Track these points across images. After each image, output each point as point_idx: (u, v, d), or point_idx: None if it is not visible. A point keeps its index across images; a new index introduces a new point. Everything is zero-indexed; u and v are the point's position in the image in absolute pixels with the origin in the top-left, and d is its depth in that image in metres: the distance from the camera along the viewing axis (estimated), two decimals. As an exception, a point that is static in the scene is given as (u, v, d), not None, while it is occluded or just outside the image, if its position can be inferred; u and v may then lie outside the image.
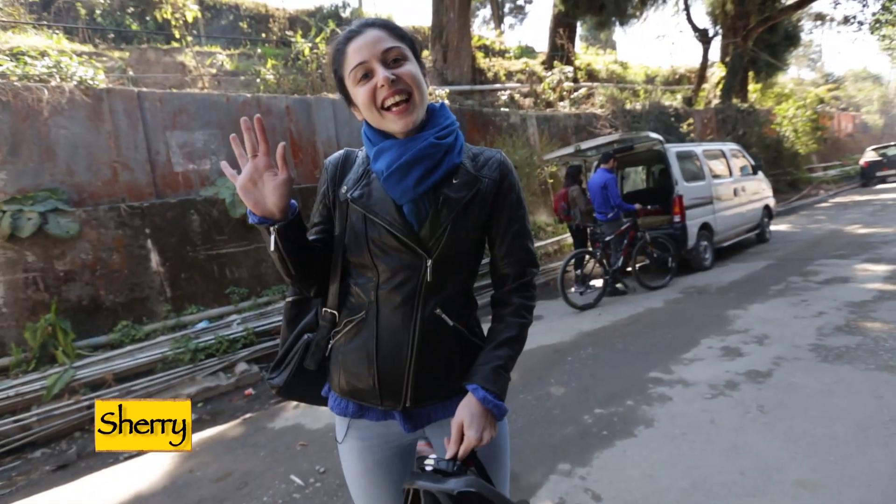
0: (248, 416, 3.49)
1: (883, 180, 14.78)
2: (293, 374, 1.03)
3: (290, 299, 1.09)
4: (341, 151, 1.04)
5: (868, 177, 14.94)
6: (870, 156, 15.10)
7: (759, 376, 2.93)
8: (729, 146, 7.45)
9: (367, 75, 0.88)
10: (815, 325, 3.64)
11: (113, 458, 3.12)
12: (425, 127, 0.93)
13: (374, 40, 0.87)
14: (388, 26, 0.90)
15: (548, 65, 12.79)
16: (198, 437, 3.24)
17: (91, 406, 3.62)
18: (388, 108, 0.88)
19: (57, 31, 7.53)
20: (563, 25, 13.31)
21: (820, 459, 2.04)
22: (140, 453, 3.13)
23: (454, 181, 0.93)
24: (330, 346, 1.01)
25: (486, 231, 0.99)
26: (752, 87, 15.91)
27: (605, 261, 5.39)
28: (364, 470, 1.00)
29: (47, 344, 3.95)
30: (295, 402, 3.55)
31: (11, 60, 4.71)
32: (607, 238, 5.41)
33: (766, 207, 7.76)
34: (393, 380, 0.93)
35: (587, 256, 5.53)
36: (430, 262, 0.91)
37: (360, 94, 0.89)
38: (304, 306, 1.07)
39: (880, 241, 6.39)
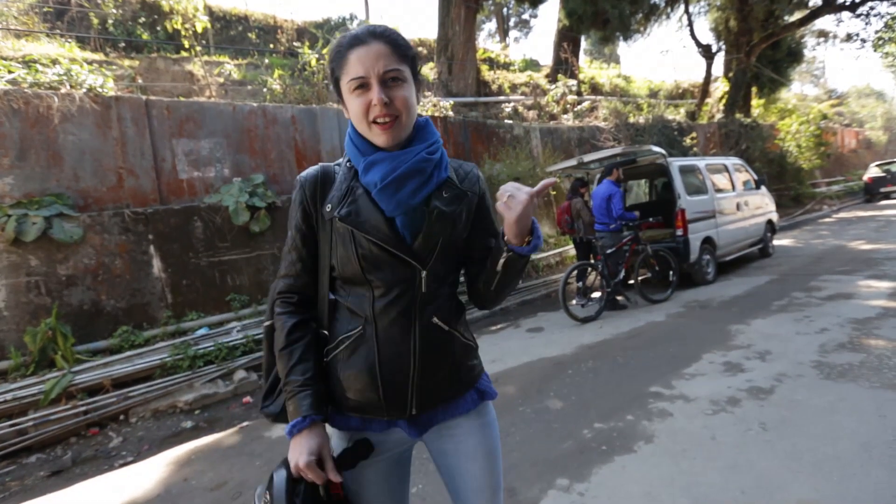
0: (245, 424, 3.47)
1: (887, 196, 14.73)
2: None
3: (267, 324, 1.03)
4: (316, 167, 1.01)
5: (872, 192, 14.90)
6: (874, 171, 15.07)
7: (761, 393, 2.89)
8: (732, 160, 7.46)
9: (364, 86, 0.90)
10: (818, 342, 3.60)
11: (108, 464, 3.10)
12: (412, 142, 0.96)
13: (377, 57, 0.89)
14: (392, 41, 0.91)
15: (552, 78, 12.91)
16: (194, 444, 3.22)
17: (87, 412, 3.61)
18: (376, 122, 0.91)
19: (69, 40, 7.66)
20: (567, 39, 13.47)
21: (822, 479, 2.00)
22: (135, 460, 3.11)
23: (444, 194, 0.97)
24: (324, 364, 1.00)
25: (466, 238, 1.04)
26: (755, 102, 15.98)
27: (605, 273, 5.38)
28: (366, 482, 1.01)
29: (47, 348, 3.95)
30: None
31: (23, 68, 4.79)
32: (608, 251, 5.41)
33: (769, 222, 7.74)
34: (397, 391, 0.95)
35: (589, 269, 5.52)
36: (423, 274, 0.94)
37: (353, 104, 0.92)
38: None
39: (884, 258, 6.34)
